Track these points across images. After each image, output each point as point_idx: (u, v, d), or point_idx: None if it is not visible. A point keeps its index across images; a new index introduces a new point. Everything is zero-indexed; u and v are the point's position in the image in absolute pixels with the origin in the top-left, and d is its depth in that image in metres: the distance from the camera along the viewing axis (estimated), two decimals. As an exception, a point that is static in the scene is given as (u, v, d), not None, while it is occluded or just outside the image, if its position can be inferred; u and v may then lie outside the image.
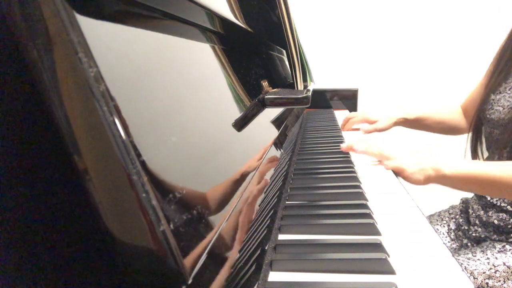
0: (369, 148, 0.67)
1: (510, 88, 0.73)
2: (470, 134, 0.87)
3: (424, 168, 0.62)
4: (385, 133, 0.98)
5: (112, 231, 0.17)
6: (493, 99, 0.76)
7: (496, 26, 1.53)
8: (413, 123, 0.98)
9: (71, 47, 0.16)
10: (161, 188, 0.18)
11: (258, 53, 0.64)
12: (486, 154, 0.84)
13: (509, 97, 0.72)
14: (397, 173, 0.65)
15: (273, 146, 0.50)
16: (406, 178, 0.63)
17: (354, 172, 0.63)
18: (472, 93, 0.93)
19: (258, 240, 0.34)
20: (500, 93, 0.75)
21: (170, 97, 0.25)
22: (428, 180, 0.62)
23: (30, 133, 0.17)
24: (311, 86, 1.07)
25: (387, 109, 1.01)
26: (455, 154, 1.05)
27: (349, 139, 0.90)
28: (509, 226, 0.72)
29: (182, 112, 0.26)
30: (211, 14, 0.39)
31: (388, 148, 0.65)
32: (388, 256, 0.37)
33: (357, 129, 1.06)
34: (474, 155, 0.88)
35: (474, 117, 0.85)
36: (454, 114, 0.98)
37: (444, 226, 0.86)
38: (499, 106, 0.73)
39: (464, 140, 0.90)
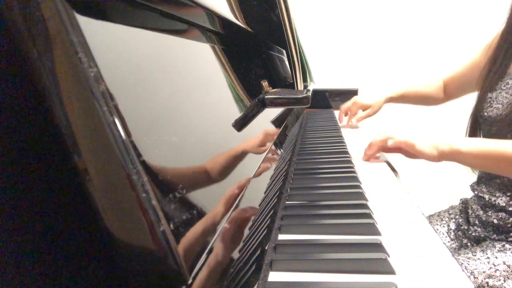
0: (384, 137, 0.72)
1: (505, 85, 0.74)
2: (467, 136, 0.88)
3: (439, 143, 0.64)
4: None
5: (112, 231, 0.17)
6: (491, 97, 0.76)
7: (497, 26, 1.53)
8: (397, 99, 1.10)
9: (71, 47, 0.16)
10: (161, 188, 0.18)
11: (258, 53, 0.64)
12: None
13: (506, 93, 0.73)
14: (409, 149, 0.67)
15: (273, 146, 0.50)
16: (419, 153, 0.66)
17: (354, 172, 0.63)
18: (457, 71, 1.00)
19: (258, 240, 0.34)
20: (496, 90, 0.75)
21: (170, 97, 0.25)
22: (442, 155, 0.65)
23: (30, 133, 0.17)
24: (311, 86, 1.07)
25: (375, 91, 1.10)
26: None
27: (349, 139, 0.90)
28: (509, 225, 0.72)
29: (182, 112, 0.26)
30: (211, 14, 0.39)
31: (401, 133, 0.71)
32: (388, 256, 0.37)
33: (356, 127, 1.08)
34: None
35: (470, 118, 0.85)
36: (434, 88, 1.07)
37: (444, 226, 0.86)
38: (497, 103, 0.74)
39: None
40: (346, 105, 1.11)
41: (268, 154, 0.45)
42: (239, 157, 0.35)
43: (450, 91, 1.04)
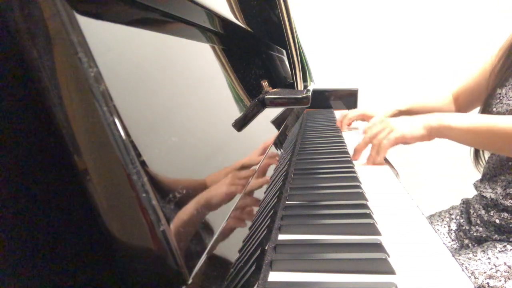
0: (369, 134, 0.70)
1: None
2: None
3: (428, 121, 0.62)
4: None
5: (112, 231, 0.17)
6: (500, 93, 0.75)
7: (496, 27, 1.53)
8: (406, 114, 1.02)
9: (71, 47, 0.16)
10: (161, 188, 0.18)
11: (258, 53, 0.64)
12: (488, 154, 0.85)
13: None
14: (403, 142, 0.66)
15: (273, 146, 0.50)
16: (408, 138, 0.65)
17: (354, 172, 0.63)
18: (466, 82, 0.96)
19: (258, 240, 0.34)
20: (506, 86, 0.75)
21: (170, 97, 0.25)
22: (431, 132, 0.63)
23: (30, 133, 0.17)
24: (311, 86, 1.07)
25: (383, 105, 1.04)
26: (459, 151, 1.07)
27: (349, 139, 0.90)
28: (511, 226, 0.72)
29: (182, 112, 0.26)
30: (211, 14, 0.39)
31: (384, 127, 0.68)
32: (388, 256, 0.37)
33: (356, 128, 1.07)
34: (476, 151, 0.89)
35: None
36: (444, 102, 1.02)
37: (444, 227, 0.86)
38: (508, 99, 0.73)
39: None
40: (352, 114, 1.04)
41: (268, 155, 0.45)
42: (239, 158, 0.35)
43: (461, 104, 0.99)
